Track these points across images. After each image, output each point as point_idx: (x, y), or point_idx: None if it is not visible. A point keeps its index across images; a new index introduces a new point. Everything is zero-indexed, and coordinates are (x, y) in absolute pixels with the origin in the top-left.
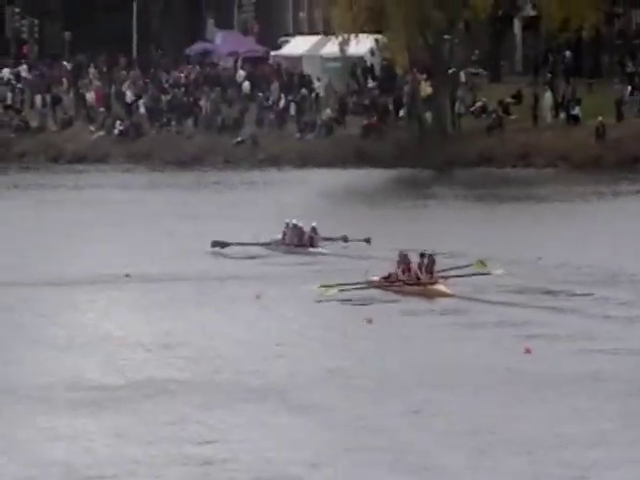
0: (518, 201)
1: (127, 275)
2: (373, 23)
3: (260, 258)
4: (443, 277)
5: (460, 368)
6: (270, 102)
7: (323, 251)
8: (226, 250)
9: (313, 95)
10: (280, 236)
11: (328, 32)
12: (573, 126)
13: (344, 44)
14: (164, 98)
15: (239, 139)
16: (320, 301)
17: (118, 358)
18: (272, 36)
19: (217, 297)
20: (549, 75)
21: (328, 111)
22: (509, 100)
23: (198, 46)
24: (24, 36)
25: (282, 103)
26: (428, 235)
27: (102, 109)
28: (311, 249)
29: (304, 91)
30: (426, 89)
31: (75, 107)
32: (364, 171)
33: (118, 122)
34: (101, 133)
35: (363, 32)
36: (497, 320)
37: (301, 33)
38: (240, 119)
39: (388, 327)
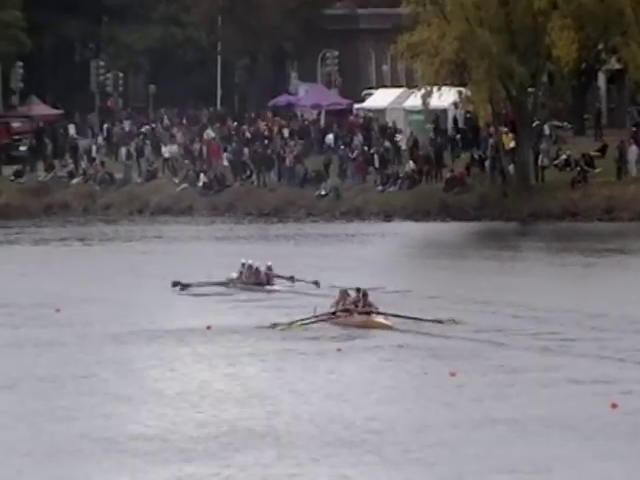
0: (603, 255)
1: (209, 327)
2: (456, 76)
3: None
4: (393, 315)
5: (549, 421)
6: (353, 154)
7: (280, 289)
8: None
9: (396, 147)
10: (236, 275)
11: (411, 85)
12: None
13: (427, 96)
14: (247, 150)
15: (322, 192)
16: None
17: (201, 410)
18: (355, 89)
19: (297, 349)
20: (634, 128)
21: (411, 163)
22: (594, 153)
23: (281, 99)
24: (109, 89)
25: (365, 155)
26: (508, 288)
27: (186, 161)
28: (267, 287)
29: (387, 143)
30: (509, 142)
31: (159, 159)
32: (447, 224)
33: (202, 174)
34: (185, 185)
35: (446, 85)
36: (580, 374)
37: (384, 86)
38: (323, 171)
39: (470, 377)
